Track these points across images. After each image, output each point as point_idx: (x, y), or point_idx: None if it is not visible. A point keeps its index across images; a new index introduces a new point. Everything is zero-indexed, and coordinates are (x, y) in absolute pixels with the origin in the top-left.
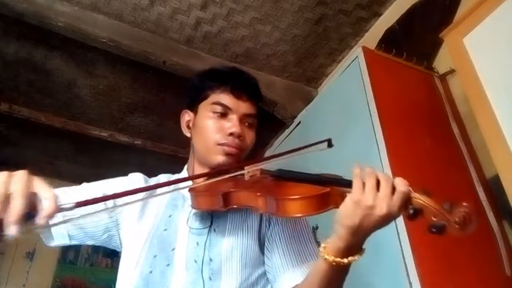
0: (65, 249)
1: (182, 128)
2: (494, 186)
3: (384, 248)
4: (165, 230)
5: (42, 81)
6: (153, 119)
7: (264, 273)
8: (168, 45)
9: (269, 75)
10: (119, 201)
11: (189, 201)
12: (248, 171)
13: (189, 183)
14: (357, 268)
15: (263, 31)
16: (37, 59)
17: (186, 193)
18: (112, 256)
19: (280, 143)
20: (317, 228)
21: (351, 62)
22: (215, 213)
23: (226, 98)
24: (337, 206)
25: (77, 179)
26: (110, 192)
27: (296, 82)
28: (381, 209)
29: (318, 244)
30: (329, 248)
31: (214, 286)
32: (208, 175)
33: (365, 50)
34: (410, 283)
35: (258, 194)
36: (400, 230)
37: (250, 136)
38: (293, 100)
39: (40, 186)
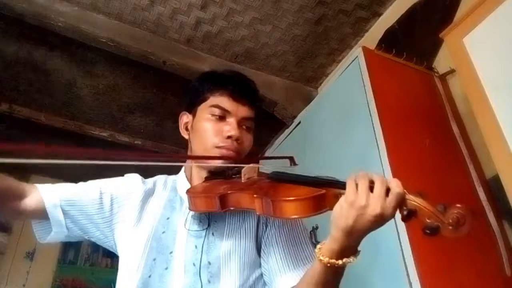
0: (65, 249)
1: (180, 130)
2: (494, 186)
3: (384, 248)
4: (163, 232)
5: (42, 81)
6: (153, 119)
7: (261, 276)
8: (168, 45)
9: (269, 75)
10: (115, 201)
11: (186, 203)
12: (245, 173)
13: (187, 184)
14: (357, 268)
15: (263, 31)
16: (37, 59)
17: (183, 194)
18: (112, 256)
19: (280, 143)
20: (317, 228)
21: (351, 62)
22: (213, 215)
23: (225, 101)
24: (332, 208)
25: (77, 179)
26: (106, 189)
27: (296, 82)
28: (374, 209)
29: (317, 244)
30: (324, 249)
31: None
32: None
33: (365, 50)
34: (410, 283)
35: (255, 195)
36: (400, 230)
37: (248, 140)
38: (293, 100)
39: None
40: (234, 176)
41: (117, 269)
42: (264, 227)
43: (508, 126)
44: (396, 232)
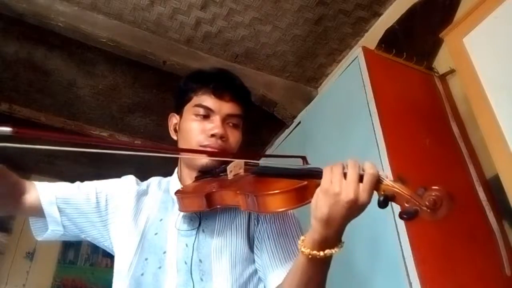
0: (65, 249)
1: (170, 132)
2: (494, 186)
3: (384, 248)
4: (155, 234)
5: (42, 81)
6: (153, 119)
7: (256, 272)
8: (168, 45)
9: (269, 75)
10: (110, 201)
11: (177, 204)
12: (231, 170)
13: (178, 185)
14: (357, 268)
15: (263, 31)
16: (37, 59)
17: (174, 196)
18: (112, 256)
19: (280, 143)
20: None
21: (351, 62)
22: (203, 214)
23: (208, 100)
24: None
25: (77, 179)
26: (101, 189)
27: (296, 82)
28: (347, 195)
29: None
30: (306, 241)
31: (205, 287)
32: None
33: (365, 50)
34: (410, 283)
35: (238, 192)
36: (400, 230)
37: (234, 137)
38: (293, 100)
39: None
40: (221, 174)
41: None
42: (256, 223)
43: (508, 126)
44: (396, 232)
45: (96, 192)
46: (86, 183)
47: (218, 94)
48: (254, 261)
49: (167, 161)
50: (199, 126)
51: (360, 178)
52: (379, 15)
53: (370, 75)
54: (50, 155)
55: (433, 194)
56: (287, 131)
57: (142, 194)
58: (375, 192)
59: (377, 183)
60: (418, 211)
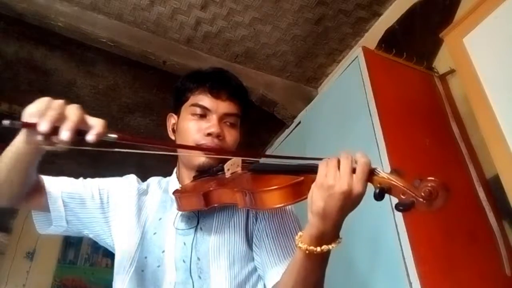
0: (65, 249)
1: (168, 132)
2: (494, 186)
3: (383, 248)
4: (154, 233)
5: (42, 81)
6: (153, 119)
7: (255, 269)
8: (168, 45)
9: (269, 75)
10: (112, 199)
11: (175, 203)
12: (228, 168)
13: (177, 185)
14: (357, 268)
15: (263, 31)
16: (37, 59)
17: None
18: (112, 256)
19: (280, 143)
20: None
21: (351, 62)
22: (201, 212)
23: (204, 99)
24: None
25: (77, 179)
26: (104, 186)
27: (296, 82)
28: (341, 187)
29: None
30: (303, 237)
31: (204, 285)
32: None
33: (365, 50)
34: (410, 283)
35: (235, 189)
36: (400, 230)
37: (232, 136)
38: (293, 100)
39: (90, 117)
40: (219, 173)
41: None
42: (254, 221)
43: (508, 126)
44: (396, 232)
45: (99, 189)
46: (89, 180)
47: (215, 93)
48: (253, 259)
49: (166, 161)
50: (196, 125)
51: (354, 170)
52: (379, 15)
53: (370, 75)
54: (52, 154)
55: (429, 185)
56: (287, 131)
57: (142, 193)
58: (371, 185)
59: (370, 173)
60: (414, 203)
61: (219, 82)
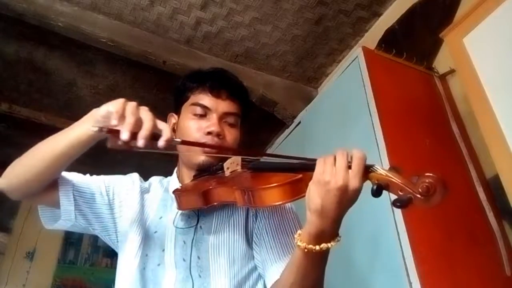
0: (65, 249)
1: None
2: (494, 186)
3: (383, 247)
4: (155, 232)
5: (42, 81)
6: None
7: (255, 268)
8: (168, 45)
9: (269, 75)
10: (117, 196)
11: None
12: (228, 166)
13: (177, 184)
14: (357, 268)
15: (263, 31)
16: (37, 59)
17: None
18: (112, 256)
19: (280, 143)
20: None
21: (351, 62)
22: (201, 211)
23: (204, 98)
24: None
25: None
26: (110, 183)
27: (296, 82)
28: (337, 182)
29: None
30: (302, 235)
31: (204, 284)
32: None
33: (365, 50)
34: (410, 283)
35: (234, 188)
36: (400, 230)
37: (232, 135)
38: (293, 100)
39: (159, 121)
40: (219, 172)
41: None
42: (254, 219)
43: (508, 126)
44: (396, 232)
45: (105, 186)
46: (95, 177)
47: (215, 92)
48: (253, 258)
49: (165, 161)
50: (196, 124)
51: (350, 166)
52: (379, 15)
53: (370, 75)
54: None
55: (427, 181)
56: (287, 131)
57: (144, 192)
58: (369, 182)
59: (368, 169)
60: (412, 199)
61: (219, 82)
